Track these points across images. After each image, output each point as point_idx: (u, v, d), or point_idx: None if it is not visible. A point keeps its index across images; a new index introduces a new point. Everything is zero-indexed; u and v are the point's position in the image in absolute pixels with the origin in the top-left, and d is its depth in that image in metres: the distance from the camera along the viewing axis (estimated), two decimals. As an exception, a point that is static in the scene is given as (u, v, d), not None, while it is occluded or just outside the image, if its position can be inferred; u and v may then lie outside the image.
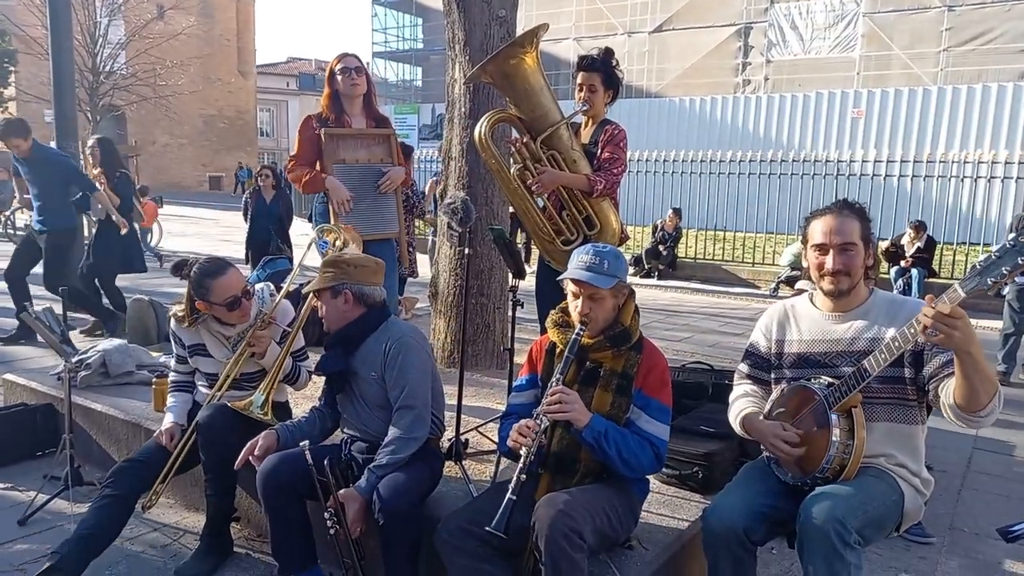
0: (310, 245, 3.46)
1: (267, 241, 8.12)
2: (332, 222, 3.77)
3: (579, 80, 3.50)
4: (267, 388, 2.94)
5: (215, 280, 2.93)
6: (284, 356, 3.02)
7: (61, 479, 3.53)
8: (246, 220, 8.50)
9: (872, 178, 11.98)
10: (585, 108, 3.49)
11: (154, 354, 4.62)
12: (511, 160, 3.51)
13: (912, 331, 2.01)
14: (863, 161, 12.33)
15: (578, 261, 2.36)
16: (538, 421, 2.25)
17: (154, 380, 3.81)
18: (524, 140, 3.40)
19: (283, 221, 8.29)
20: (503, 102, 4.04)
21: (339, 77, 3.79)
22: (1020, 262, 1.79)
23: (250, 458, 2.68)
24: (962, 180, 11.61)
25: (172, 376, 3.27)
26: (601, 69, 3.47)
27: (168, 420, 3.11)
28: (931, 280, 10.11)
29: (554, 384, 2.30)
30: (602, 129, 3.50)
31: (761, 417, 2.40)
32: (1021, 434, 4.97)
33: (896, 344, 2.07)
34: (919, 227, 10.27)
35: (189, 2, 30.38)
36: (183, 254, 3.38)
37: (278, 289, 3.39)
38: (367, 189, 3.88)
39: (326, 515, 2.49)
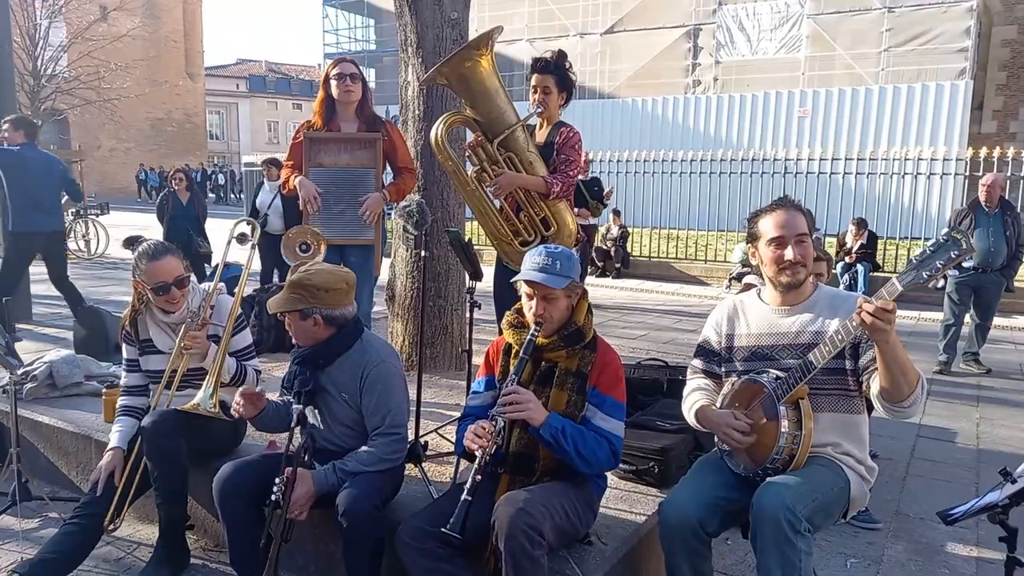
0: (229, 241, 3.42)
1: (188, 241, 8.26)
2: (303, 224, 3.74)
3: (533, 82, 3.53)
4: (210, 385, 2.88)
5: (151, 263, 2.95)
6: (221, 355, 2.98)
7: (8, 495, 3.43)
8: (162, 222, 8.84)
9: (818, 176, 12.32)
10: (540, 110, 3.52)
11: (103, 364, 4.51)
12: (468, 162, 3.52)
13: (853, 324, 2.09)
14: (809, 159, 12.67)
15: (531, 262, 2.39)
16: (494, 422, 2.28)
17: (104, 390, 3.73)
18: (481, 142, 3.41)
19: (199, 220, 8.84)
20: (457, 104, 4.06)
21: (334, 82, 3.79)
22: (952, 256, 1.88)
23: (240, 401, 2.61)
24: (903, 177, 12.01)
25: (122, 399, 3.16)
26: (555, 72, 3.50)
27: (109, 444, 3.01)
28: (876, 274, 10.44)
29: (509, 385, 2.33)
30: (557, 131, 3.54)
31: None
32: (962, 422, 5.17)
33: (839, 337, 2.15)
34: (860, 224, 10.58)
35: (134, 3, 29.70)
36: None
37: (230, 293, 3.35)
38: (342, 193, 3.83)
39: (276, 480, 2.41)
